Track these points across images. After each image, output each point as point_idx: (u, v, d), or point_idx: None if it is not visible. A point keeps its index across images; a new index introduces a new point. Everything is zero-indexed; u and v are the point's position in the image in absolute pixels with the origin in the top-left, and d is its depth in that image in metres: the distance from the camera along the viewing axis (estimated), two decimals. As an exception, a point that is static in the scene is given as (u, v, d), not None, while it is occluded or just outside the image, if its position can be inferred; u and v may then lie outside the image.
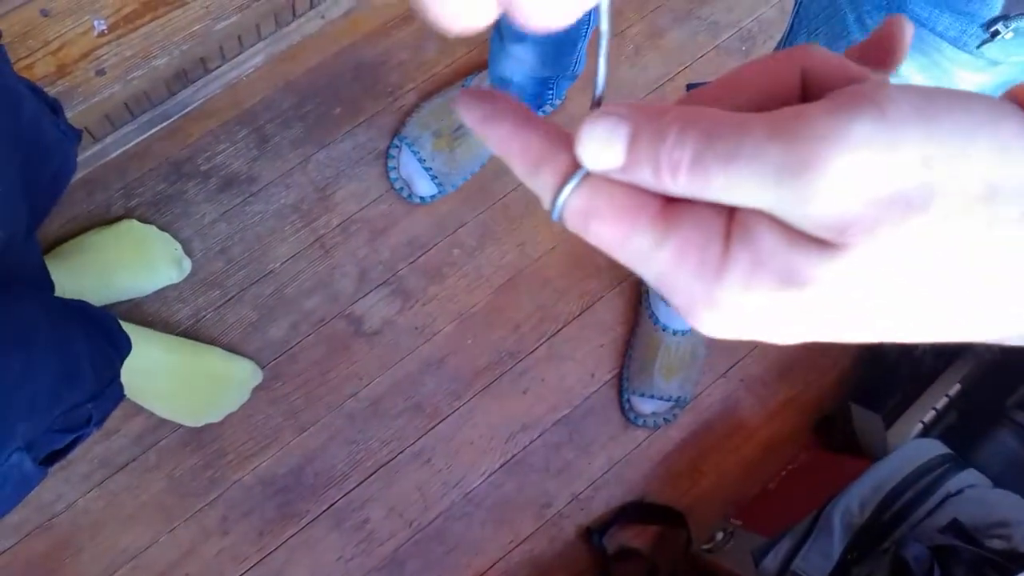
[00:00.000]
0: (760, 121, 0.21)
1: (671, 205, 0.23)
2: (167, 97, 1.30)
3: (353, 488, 1.31)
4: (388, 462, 1.32)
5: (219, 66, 1.32)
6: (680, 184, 0.22)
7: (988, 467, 1.15)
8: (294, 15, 1.32)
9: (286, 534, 1.28)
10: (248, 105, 1.35)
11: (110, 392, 0.99)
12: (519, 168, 0.25)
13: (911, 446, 1.16)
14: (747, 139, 0.21)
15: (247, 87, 1.35)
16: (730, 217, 0.23)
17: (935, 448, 1.15)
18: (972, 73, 0.60)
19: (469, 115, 0.25)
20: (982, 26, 0.55)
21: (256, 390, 1.29)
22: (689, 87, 1.46)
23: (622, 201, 0.23)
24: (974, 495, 1.10)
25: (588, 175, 0.24)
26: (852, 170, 0.20)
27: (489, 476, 1.34)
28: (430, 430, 1.34)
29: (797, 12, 0.74)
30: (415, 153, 1.31)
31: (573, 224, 0.24)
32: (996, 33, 0.54)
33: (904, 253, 0.21)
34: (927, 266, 0.21)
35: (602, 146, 0.23)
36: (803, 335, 0.24)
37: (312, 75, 1.36)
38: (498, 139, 0.25)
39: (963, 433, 1.21)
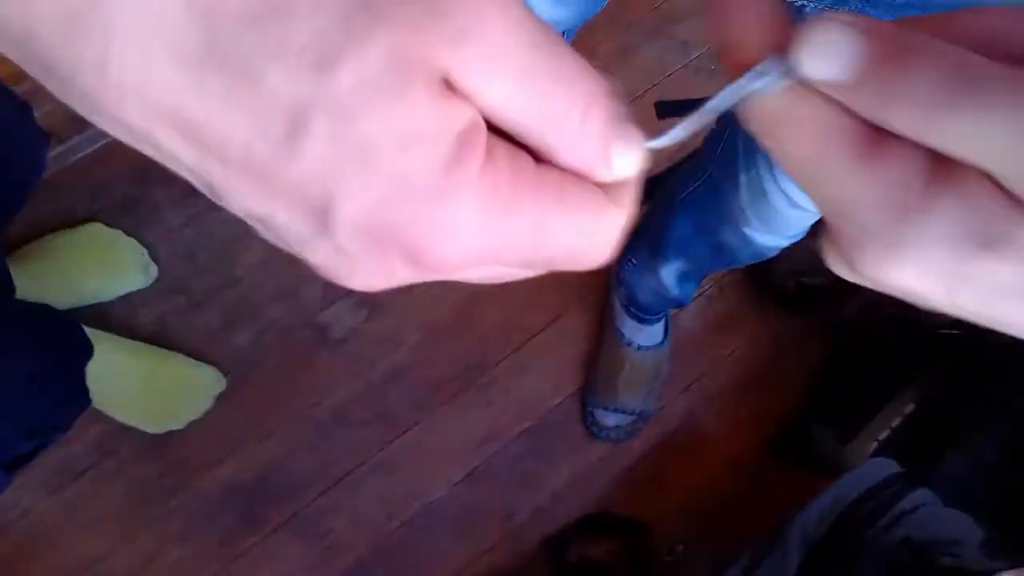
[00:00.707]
0: None
1: (872, 132, 0.21)
2: (136, 100, 1.29)
3: (316, 497, 1.30)
4: (351, 472, 1.32)
5: (189, 70, 1.31)
6: (912, 119, 0.20)
7: (940, 486, 1.18)
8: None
9: (248, 543, 1.27)
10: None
11: (75, 397, 0.98)
12: (721, 43, 0.23)
13: (867, 465, 1.18)
14: (1020, 94, 0.19)
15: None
16: (934, 161, 0.21)
17: (890, 467, 1.18)
18: None
19: None
20: None
21: (220, 397, 1.28)
22: (657, 105, 1.48)
23: (825, 115, 0.21)
24: (927, 513, 1.13)
25: (793, 78, 0.21)
26: None
27: (452, 487, 1.35)
28: (394, 440, 1.34)
29: None
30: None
31: (758, 122, 0.22)
32: None
33: None
34: None
35: (830, 55, 0.20)
36: (967, 306, 0.22)
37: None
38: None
39: (917, 452, 1.24)
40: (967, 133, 0.19)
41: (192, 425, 1.27)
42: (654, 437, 1.42)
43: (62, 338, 1.03)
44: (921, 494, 1.16)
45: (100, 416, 1.23)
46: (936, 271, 0.21)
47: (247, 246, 1.31)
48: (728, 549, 1.23)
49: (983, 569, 1.07)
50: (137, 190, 1.31)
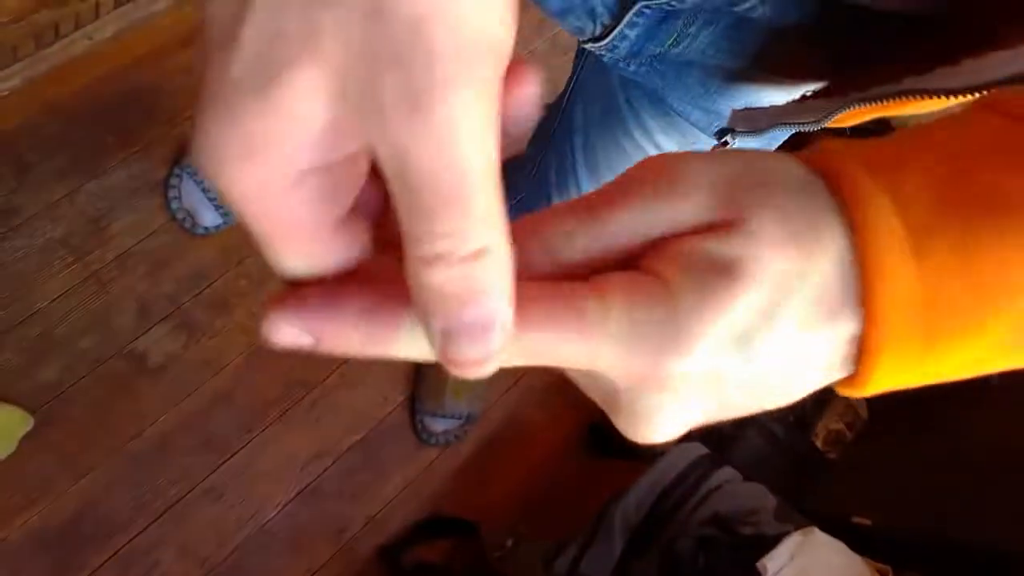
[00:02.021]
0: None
1: (590, 278, 0.23)
2: (-94, 122, 1.18)
3: (140, 532, 1.25)
4: (177, 502, 1.28)
5: (-31, 89, 1.21)
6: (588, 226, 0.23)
7: (740, 463, 1.31)
8: (57, 36, 1.24)
9: (66, 589, 1.20)
10: (3, 131, 1.25)
11: None
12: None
13: (677, 449, 1.29)
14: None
15: (2, 112, 1.25)
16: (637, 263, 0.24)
17: (697, 450, 1.29)
18: None
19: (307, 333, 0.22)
20: (715, 134, 0.65)
21: (25, 438, 1.20)
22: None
23: (549, 292, 0.23)
24: (729, 489, 1.26)
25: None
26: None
27: (284, 506, 1.34)
28: (221, 465, 1.31)
29: (575, 83, 0.81)
30: (199, 183, 1.28)
31: (502, 351, 0.22)
32: (725, 143, 0.65)
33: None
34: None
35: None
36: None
37: (79, 99, 1.29)
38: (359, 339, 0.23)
39: (719, 434, 1.37)
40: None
41: (-6, 470, 1.18)
42: (481, 438, 1.48)
43: None
44: (725, 472, 1.28)
45: None
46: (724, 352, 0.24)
47: (48, 276, 1.23)
48: (556, 539, 1.30)
49: (776, 533, 1.20)
50: (-87, 220, 1.19)
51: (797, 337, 0.24)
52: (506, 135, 0.24)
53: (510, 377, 1.51)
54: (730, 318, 0.23)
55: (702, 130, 0.67)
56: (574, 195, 0.86)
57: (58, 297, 1.24)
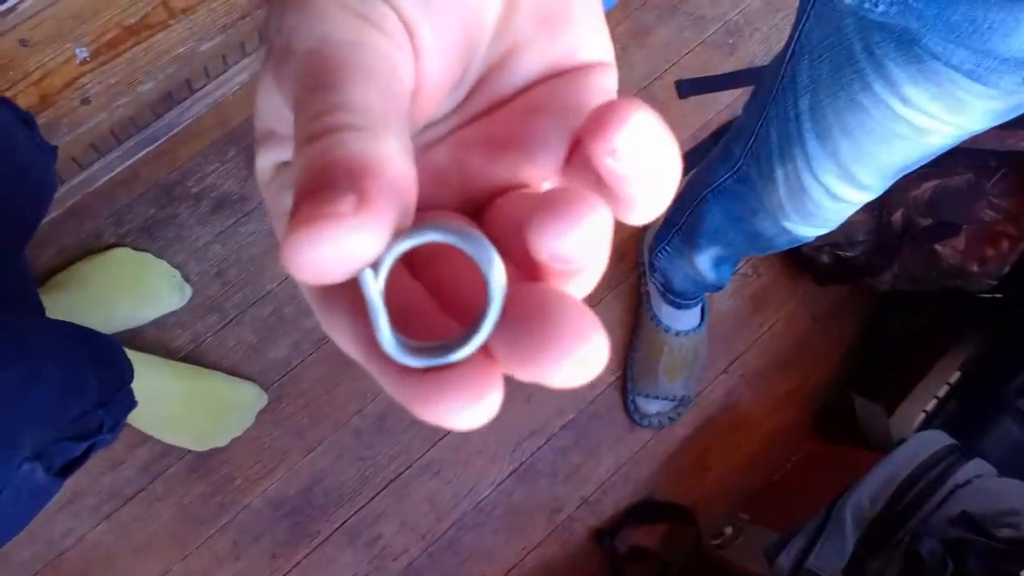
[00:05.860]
0: None
1: None
2: (153, 120, 1.28)
3: (364, 505, 1.31)
4: (397, 476, 1.32)
5: (204, 86, 1.30)
6: None
7: (992, 455, 1.17)
8: (278, 31, 1.30)
9: (299, 555, 1.28)
10: (236, 123, 1.33)
11: (120, 398, 0.98)
12: None
13: (918, 438, 1.17)
14: None
15: (234, 105, 1.33)
16: None
17: (941, 439, 1.16)
18: (984, 100, 0.60)
19: None
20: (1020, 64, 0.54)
21: (261, 412, 1.28)
22: (678, 84, 1.45)
23: None
24: (981, 485, 1.12)
25: None
26: None
27: (499, 484, 1.35)
28: (437, 442, 1.33)
29: (798, 38, 0.73)
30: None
31: None
32: None
33: None
34: None
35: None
36: None
37: (299, 90, 1.34)
38: None
39: (966, 421, 1.23)
40: None
41: (235, 442, 1.27)
42: (696, 421, 1.41)
43: (95, 342, 1.02)
44: (974, 465, 1.15)
45: (146, 438, 1.24)
46: None
47: (276, 258, 1.31)
48: (778, 528, 1.22)
49: (1042, 535, 1.06)
50: (161, 211, 1.30)
51: None
52: None
53: (724, 358, 1.43)
54: None
55: (966, 74, 0.57)
56: (800, 164, 0.78)
57: (285, 279, 1.31)
